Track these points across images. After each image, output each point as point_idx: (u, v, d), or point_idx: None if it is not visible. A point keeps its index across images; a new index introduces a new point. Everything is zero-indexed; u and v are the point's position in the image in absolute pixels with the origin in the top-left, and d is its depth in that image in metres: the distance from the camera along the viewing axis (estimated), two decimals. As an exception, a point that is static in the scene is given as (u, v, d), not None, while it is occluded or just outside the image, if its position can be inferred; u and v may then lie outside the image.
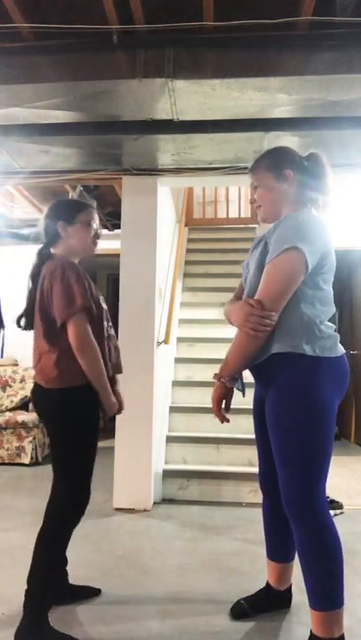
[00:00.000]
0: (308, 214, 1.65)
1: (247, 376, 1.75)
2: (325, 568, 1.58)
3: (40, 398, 1.84)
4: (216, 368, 1.75)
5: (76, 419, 1.77)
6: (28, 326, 1.91)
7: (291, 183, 1.72)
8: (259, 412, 1.83)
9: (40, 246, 1.95)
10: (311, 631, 1.60)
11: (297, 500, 1.59)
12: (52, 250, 1.92)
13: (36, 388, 1.84)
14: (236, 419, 1.95)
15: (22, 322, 1.92)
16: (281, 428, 1.62)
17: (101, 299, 1.91)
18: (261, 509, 1.95)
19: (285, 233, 1.58)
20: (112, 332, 1.96)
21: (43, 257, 1.91)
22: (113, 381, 1.92)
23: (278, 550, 1.91)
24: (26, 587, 1.73)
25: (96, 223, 1.97)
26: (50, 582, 1.76)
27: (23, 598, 1.72)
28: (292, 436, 1.59)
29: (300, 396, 1.58)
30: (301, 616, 1.87)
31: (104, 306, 1.91)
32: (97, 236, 1.97)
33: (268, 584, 1.96)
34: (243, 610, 1.93)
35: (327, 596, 1.58)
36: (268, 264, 1.59)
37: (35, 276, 1.87)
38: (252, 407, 1.90)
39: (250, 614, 1.91)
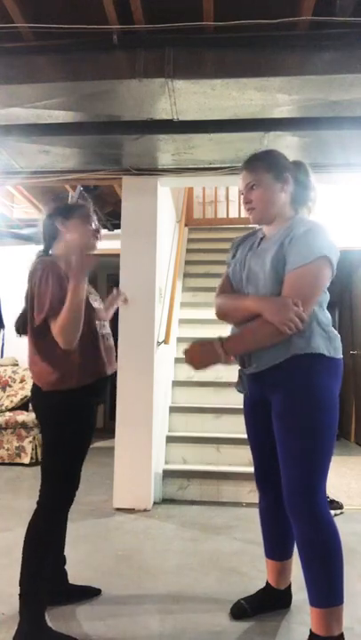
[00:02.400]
0: (318, 222, 1.68)
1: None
2: (325, 565, 1.58)
3: (33, 398, 1.88)
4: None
5: (65, 421, 1.77)
6: (23, 332, 1.86)
7: (288, 187, 1.74)
8: (254, 413, 1.83)
9: (40, 249, 1.94)
10: (311, 630, 1.60)
11: (301, 496, 1.60)
12: (50, 252, 1.91)
13: (32, 388, 1.86)
14: (236, 419, 1.95)
15: (20, 328, 1.88)
16: (295, 427, 1.62)
17: (92, 297, 1.89)
18: (258, 508, 1.96)
19: (315, 240, 1.60)
20: (106, 330, 1.93)
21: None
22: (108, 380, 1.91)
23: (276, 548, 1.91)
24: (18, 592, 1.71)
25: (94, 219, 1.94)
26: (42, 584, 1.74)
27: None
28: (305, 436, 1.60)
29: (318, 396, 1.61)
30: (301, 616, 1.87)
31: (96, 305, 1.89)
32: (97, 231, 1.93)
33: (267, 584, 1.96)
34: (243, 610, 1.93)
35: (327, 592, 1.58)
36: (302, 269, 1.58)
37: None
38: None
39: (250, 614, 1.91)
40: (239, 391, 1.76)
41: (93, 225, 1.92)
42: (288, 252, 1.62)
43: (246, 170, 1.75)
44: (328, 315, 1.71)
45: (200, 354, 1.70)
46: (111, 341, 1.95)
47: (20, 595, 1.71)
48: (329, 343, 1.65)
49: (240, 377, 1.81)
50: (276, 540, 1.90)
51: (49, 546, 1.79)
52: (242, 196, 1.78)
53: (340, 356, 1.68)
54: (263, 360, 1.67)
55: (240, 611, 1.93)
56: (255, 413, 1.83)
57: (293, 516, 1.62)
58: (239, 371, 1.81)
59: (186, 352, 1.72)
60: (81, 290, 1.64)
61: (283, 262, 1.63)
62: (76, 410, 1.78)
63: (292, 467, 1.62)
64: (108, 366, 1.87)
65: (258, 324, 1.61)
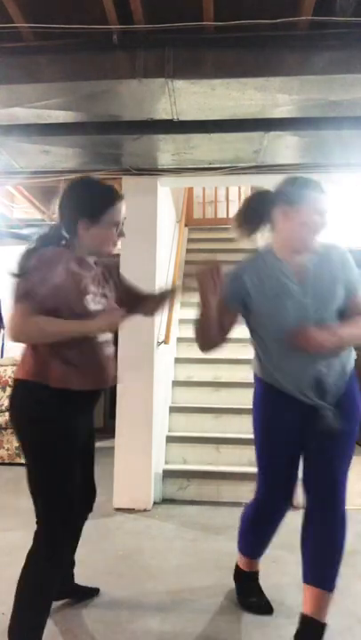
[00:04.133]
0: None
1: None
2: (340, 552, 1.70)
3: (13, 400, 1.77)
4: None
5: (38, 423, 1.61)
6: None
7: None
8: (292, 420, 1.78)
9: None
10: (311, 616, 1.64)
11: (339, 494, 1.74)
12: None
13: (14, 390, 1.78)
14: (235, 419, 1.95)
15: None
16: (352, 435, 1.76)
17: (95, 298, 1.68)
18: (259, 512, 2.00)
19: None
20: (105, 337, 1.74)
21: None
22: (95, 395, 1.77)
23: (258, 549, 2.03)
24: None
25: (122, 220, 1.71)
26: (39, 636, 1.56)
27: None
28: (352, 441, 1.77)
29: (359, 404, 1.79)
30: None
31: (98, 307, 1.67)
32: (121, 235, 1.73)
33: (255, 572, 2.05)
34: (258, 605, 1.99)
35: (335, 577, 1.69)
36: None
37: None
38: (250, 407, 1.90)
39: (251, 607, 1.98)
40: (330, 425, 1.68)
41: (119, 230, 1.71)
42: (349, 276, 1.74)
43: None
44: None
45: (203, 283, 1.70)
46: (110, 349, 1.77)
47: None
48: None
49: (327, 410, 1.71)
50: (269, 538, 1.99)
51: (51, 593, 1.61)
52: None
53: None
54: (339, 384, 1.76)
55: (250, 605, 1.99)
56: (293, 421, 1.77)
57: (324, 511, 1.73)
58: (320, 406, 1.73)
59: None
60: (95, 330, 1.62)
61: (349, 288, 1.75)
62: (45, 408, 1.63)
63: (341, 470, 1.74)
64: (107, 376, 1.72)
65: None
